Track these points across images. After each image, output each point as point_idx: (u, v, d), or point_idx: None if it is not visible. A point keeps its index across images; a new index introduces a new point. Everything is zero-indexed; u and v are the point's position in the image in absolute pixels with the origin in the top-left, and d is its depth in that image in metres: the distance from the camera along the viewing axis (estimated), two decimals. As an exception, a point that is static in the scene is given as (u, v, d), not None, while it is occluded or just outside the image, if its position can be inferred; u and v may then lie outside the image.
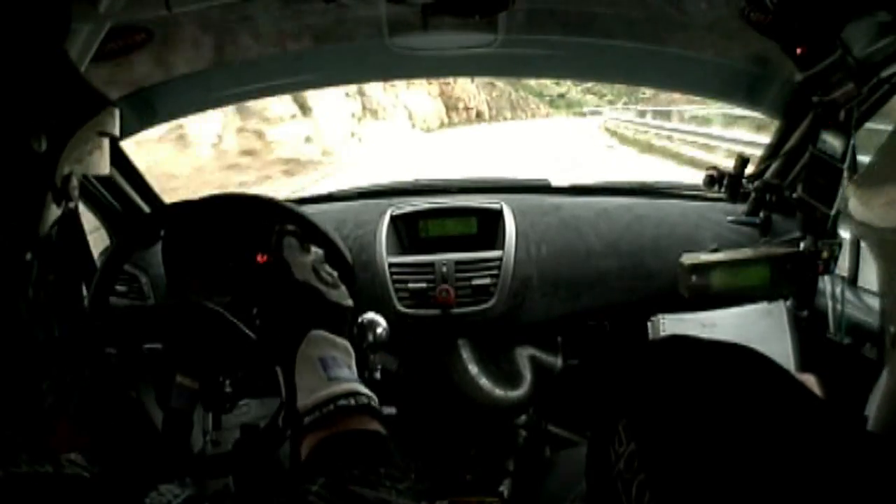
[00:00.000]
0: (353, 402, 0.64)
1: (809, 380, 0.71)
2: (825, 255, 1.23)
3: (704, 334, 0.56)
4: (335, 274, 0.76)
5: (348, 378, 0.67)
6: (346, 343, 0.71)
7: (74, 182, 0.76)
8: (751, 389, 0.46)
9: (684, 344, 0.51)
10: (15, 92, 0.67)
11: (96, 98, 0.79)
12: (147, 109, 1.44)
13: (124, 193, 1.51)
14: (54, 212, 0.75)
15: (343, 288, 0.75)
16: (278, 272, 0.73)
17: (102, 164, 0.83)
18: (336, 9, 1.26)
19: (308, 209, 1.51)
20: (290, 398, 0.66)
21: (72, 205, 0.76)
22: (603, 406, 0.50)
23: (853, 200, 0.61)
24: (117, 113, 0.82)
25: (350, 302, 0.74)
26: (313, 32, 1.38)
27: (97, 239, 1.51)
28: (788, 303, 1.32)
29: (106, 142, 0.83)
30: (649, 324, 1.41)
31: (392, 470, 0.60)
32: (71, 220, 0.87)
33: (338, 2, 1.19)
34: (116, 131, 0.83)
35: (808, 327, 1.29)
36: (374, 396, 0.66)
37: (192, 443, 1.21)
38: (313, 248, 0.77)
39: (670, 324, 1.38)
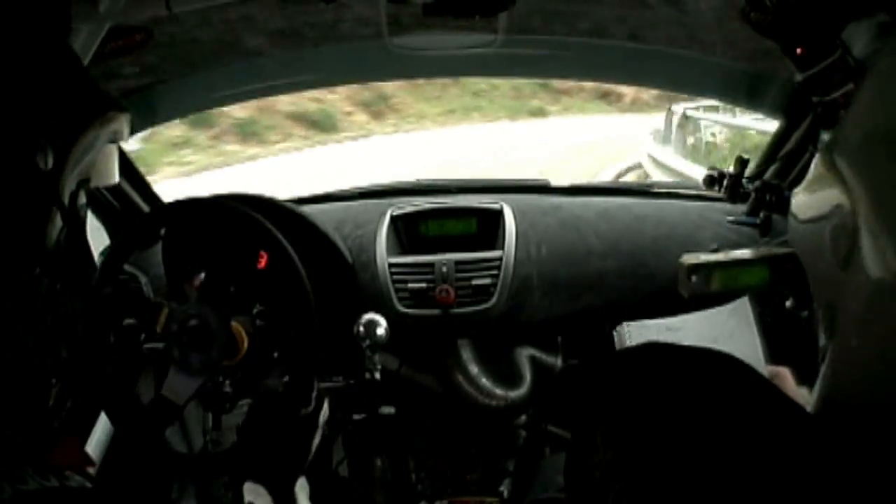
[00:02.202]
0: None
1: (783, 372, 0.71)
2: (825, 255, 1.22)
3: (670, 339, 0.56)
4: None
5: None
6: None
7: (83, 199, 0.75)
8: (725, 395, 0.46)
9: (658, 351, 0.51)
10: (16, 97, 0.66)
11: (101, 98, 0.78)
12: (147, 109, 1.44)
13: (124, 193, 1.51)
14: (62, 227, 0.73)
15: None
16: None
17: (111, 174, 0.82)
18: (336, 9, 1.26)
19: (308, 209, 1.51)
20: None
21: (80, 220, 0.75)
22: (580, 414, 0.50)
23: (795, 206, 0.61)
24: (128, 119, 0.81)
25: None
26: (313, 32, 1.38)
27: (97, 239, 1.51)
28: (790, 302, 1.31)
29: (115, 150, 0.82)
30: (615, 333, 1.41)
31: None
32: (77, 234, 0.85)
33: (338, 2, 1.19)
34: (126, 138, 0.83)
35: (774, 321, 1.29)
36: None
37: (192, 443, 1.21)
38: None
39: (636, 331, 1.38)
